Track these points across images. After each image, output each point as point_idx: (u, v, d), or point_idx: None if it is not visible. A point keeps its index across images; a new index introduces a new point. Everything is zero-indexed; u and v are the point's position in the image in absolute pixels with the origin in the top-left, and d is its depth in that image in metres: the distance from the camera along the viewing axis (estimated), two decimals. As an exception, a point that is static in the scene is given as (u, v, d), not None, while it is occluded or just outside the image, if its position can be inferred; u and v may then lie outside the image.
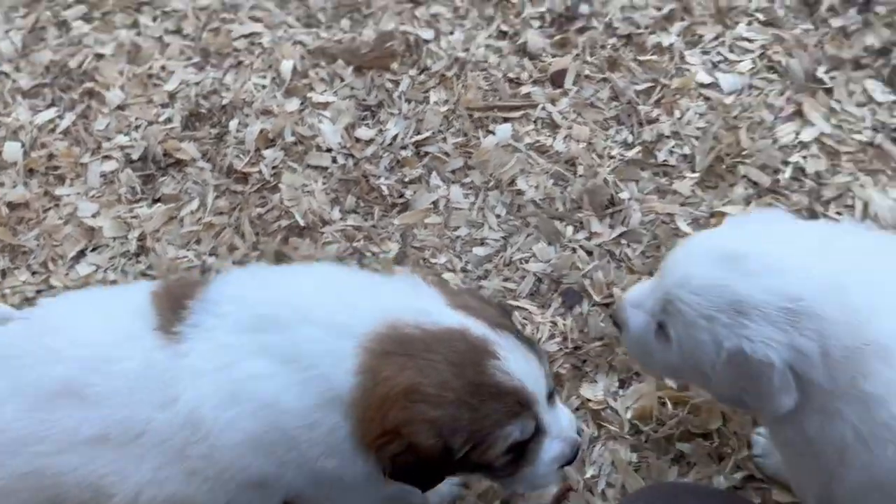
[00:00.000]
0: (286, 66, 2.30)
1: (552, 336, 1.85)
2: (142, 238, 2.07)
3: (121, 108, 2.28)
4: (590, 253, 1.95)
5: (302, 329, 1.21)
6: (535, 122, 2.18)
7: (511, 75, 2.25)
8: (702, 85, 2.18)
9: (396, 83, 2.25)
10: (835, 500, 1.30)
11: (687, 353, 1.28)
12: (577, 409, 1.76)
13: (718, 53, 2.23)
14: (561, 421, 1.30)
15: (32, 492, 1.28)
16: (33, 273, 2.03)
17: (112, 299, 1.47)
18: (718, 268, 1.23)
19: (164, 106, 2.28)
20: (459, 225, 2.03)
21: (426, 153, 2.15)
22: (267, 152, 2.16)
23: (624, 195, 2.02)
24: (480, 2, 2.38)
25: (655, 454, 1.71)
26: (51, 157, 2.20)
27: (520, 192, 2.05)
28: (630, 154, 2.09)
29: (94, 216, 2.11)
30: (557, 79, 2.22)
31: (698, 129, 2.11)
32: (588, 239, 1.97)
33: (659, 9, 2.31)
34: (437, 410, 1.17)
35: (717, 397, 1.35)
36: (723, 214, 1.94)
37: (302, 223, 2.03)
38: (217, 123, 2.23)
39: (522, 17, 2.34)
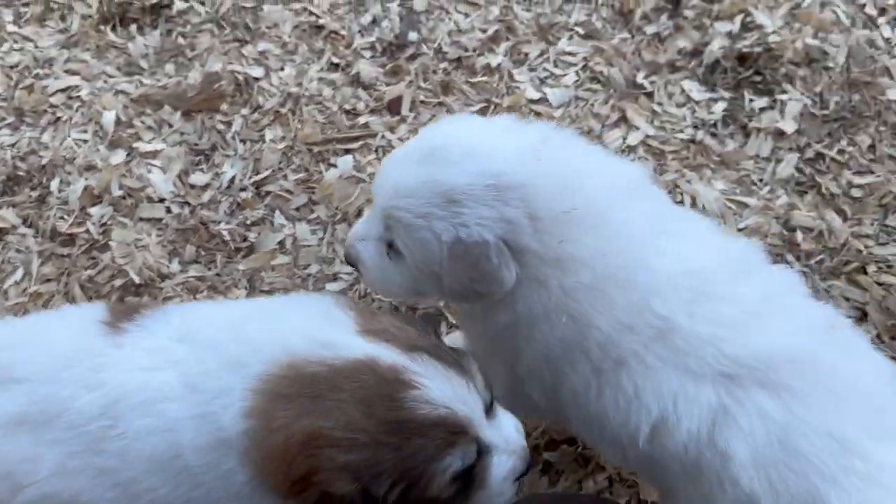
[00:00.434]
0: (108, 118, 2.19)
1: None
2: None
3: (-73, 178, 2.10)
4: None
5: (205, 355, 1.14)
6: (375, 150, 2.16)
7: (347, 107, 2.23)
8: (532, 101, 2.24)
9: (229, 124, 2.19)
10: (517, 385, 1.37)
11: (417, 259, 1.29)
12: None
13: (544, 69, 2.30)
14: (504, 433, 1.20)
15: None
16: None
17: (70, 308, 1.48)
18: (422, 166, 1.26)
19: (-24, 172, 2.12)
20: (310, 262, 1.99)
21: (267, 192, 2.09)
22: (93, 210, 2.04)
23: (468, 215, 2.03)
24: (309, 36, 2.36)
25: (523, 468, 1.70)
26: None
27: (366, 223, 2.03)
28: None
29: None
30: (394, 106, 2.22)
31: (533, 142, 2.15)
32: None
33: (484, 31, 2.36)
34: (349, 455, 1.07)
35: (453, 297, 1.33)
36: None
37: (138, 280, 1.92)
38: (37, 185, 2.09)
39: (353, 49, 2.33)
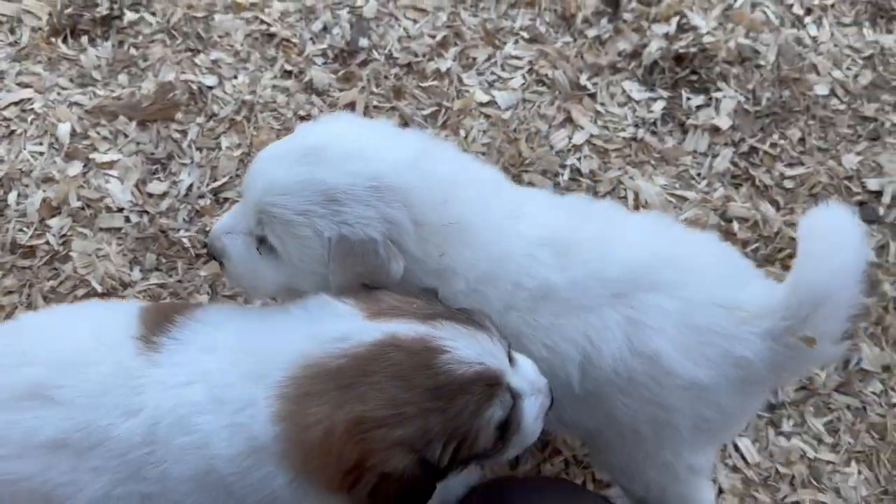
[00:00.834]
0: (63, 129, 2.21)
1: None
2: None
3: None
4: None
5: (226, 367, 1.17)
6: (330, 155, 2.21)
7: (301, 113, 2.29)
8: (481, 104, 2.32)
9: (184, 133, 2.22)
10: None
11: (296, 256, 1.30)
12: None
13: (492, 73, 2.38)
14: (527, 376, 1.24)
15: None
16: None
17: (99, 311, 1.43)
18: (301, 164, 1.28)
19: (-69, 187, 2.12)
20: (269, 267, 2.03)
21: (225, 199, 2.13)
22: (52, 221, 2.06)
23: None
24: (261, 44, 2.41)
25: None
26: None
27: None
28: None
29: None
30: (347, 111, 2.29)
31: (483, 144, 2.24)
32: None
33: (433, 37, 2.43)
34: (399, 430, 1.10)
35: (338, 290, 1.32)
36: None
37: (100, 289, 1.95)
38: (-6, 199, 2.11)
39: (305, 56, 2.38)
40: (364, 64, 2.38)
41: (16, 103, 2.27)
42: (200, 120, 2.25)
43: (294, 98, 2.31)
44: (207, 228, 2.07)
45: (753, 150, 2.25)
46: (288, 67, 2.36)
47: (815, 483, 1.80)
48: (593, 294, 1.33)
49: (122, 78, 2.33)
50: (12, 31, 2.41)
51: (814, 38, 2.46)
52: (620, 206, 1.53)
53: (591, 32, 2.44)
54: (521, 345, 1.33)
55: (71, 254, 2.01)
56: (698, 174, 2.20)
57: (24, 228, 2.05)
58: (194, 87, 2.30)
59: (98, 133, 2.22)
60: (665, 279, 1.34)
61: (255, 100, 2.29)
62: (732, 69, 2.38)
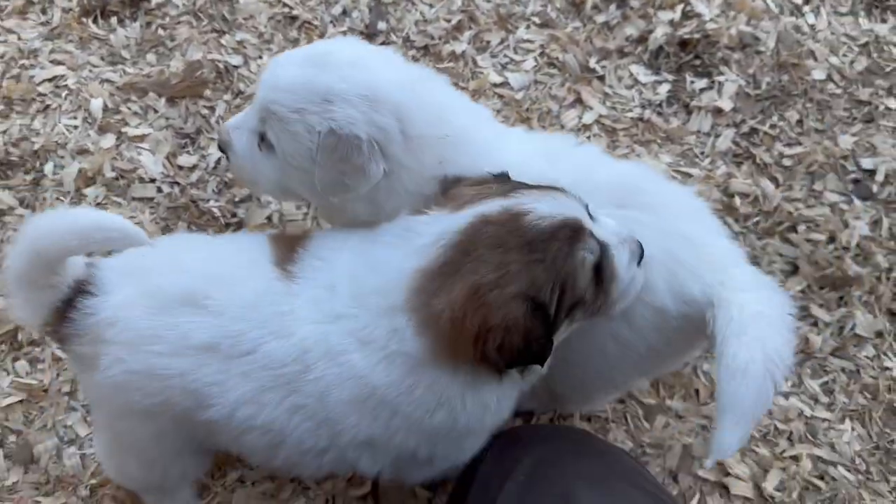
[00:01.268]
0: (96, 105, 2.30)
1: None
2: (-35, 294, 2.01)
3: (-79, 165, 2.19)
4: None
5: (361, 317, 1.28)
6: (350, 133, 2.32)
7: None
8: (495, 85, 2.43)
9: (212, 109, 2.32)
10: None
11: (288, 152, 1.40)
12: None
13: (505, 56, 2.49)
14: (610, 229, 1.33)
15: (143, 393, 1.32)
16: None
17: (233, 238, 1.60)
18: (304, 67, 1.38)
19: (-31, 158, 2.21)
20: (294, 236, 2.14)
21: (251, 173, 2.23)
22: (88, 190, 2.16)
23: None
24: (283, 26, 2.51)
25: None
26: None
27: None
28: (441, 152, 2.28)
29: None
30: (366, 91, 2.38)
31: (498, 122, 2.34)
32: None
33: (448, 20, 2.54)
34: (510, 286, 1.21)
35: (322, 188, 1.42)
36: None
37: (136, 254, 2.05)
38: (31, 169, 2.20)
39: (326, 38, 2.48)
40: (383, 46, 2.48)
41: (50, 79, 2.36)
42: (227, 97, 2.35)
43: (316, 77, 2.41)
44: (237, 199, 2.17)
45: (754, 130, 2.36)
46: (310, 49, 2.46)
47: (811, 439, 1.92)
48: (592, 196, 1.39)
49: (151, 57, 2.43)
50: (44, 12, 2.51)
51: (812, 27, 2.57)
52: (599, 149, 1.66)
53: (600, 18, 2.55)
54: None
55: (107, 221, 2.11)
56: (702, 153, 2.31)
57: (61, 197, 2.15)
58: (221, 66, 2.40)
59: (129, 108, 2.32)
60: (650, 202, 1.44)
61: (279, 79, 2.39)
62: (734, 54, 2.49)
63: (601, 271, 1.30)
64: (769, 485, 1.84)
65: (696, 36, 2.50)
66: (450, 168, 1.41)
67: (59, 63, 2.40)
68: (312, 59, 1.39)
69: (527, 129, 2.00)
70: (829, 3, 2.62)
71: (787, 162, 2.31)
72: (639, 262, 1.35)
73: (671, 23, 2.53)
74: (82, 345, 1.36)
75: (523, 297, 1.21)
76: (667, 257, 1.40)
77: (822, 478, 1.87)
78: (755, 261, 2.13)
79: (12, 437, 1.87)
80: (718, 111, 2.38)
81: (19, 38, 2.45)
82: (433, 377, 1.27)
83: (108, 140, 2.25)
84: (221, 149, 1.51)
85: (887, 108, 2.41)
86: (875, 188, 2.27)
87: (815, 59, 2.49)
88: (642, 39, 2.51)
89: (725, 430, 1.29)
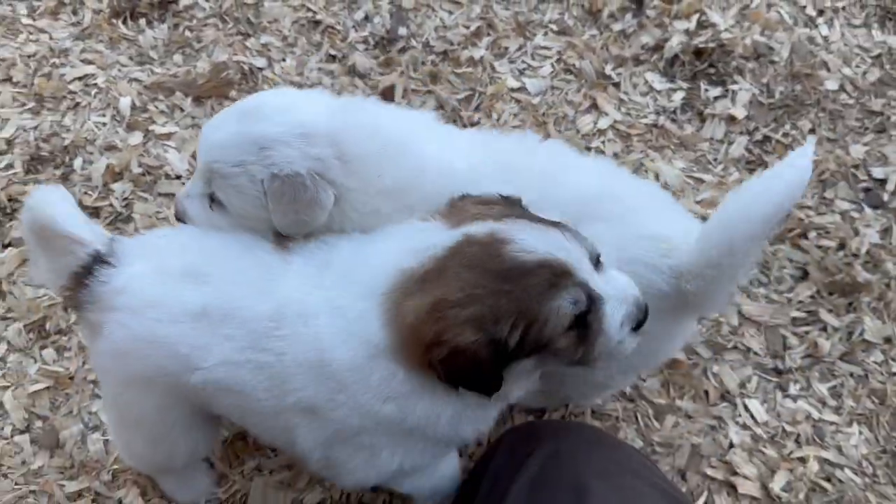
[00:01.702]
0: (124, 103, 2.37)
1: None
2: (-4, 282, 2.08)
3: (-45, 158, 2.26)
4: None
5: (342, 294, 1.32)
6: (370, 134, 2.37)
7: (345, 94, 2.44)
8: (512, 90, 2.48)
9: (237, 110, 2.38)
10: None
11: (237, 205, 1.43)
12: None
13: (522, 62, 2.54)
14: (616, 283, 1.29)
15: (141, 359, 1.40)
16: None
17: None
18: (237, 122, 1.41)
19: (2, 153, 2.28)
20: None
21: (273, 172, 2.29)
22: (115, 186, 2.22)
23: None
24: (307, 30, 2.57)
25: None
26: None
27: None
28: (459, 154, 2.34)
29: (-60, 267, 2.09)
30: (388, 94, 2.44)
31: (514, 127, 2.39)
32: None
33: (467, 27, 2.60)
34: (470, 308, 1.21)
35: (285, 231, 1.44)
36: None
37: (161, 247, 2.11)
38: (61, 164, 2.27)
39: (348, 42, 2.55)
40: (403, 51, 2.54)
41: (80, 78, 2.44)
42: (251, 98, 2.40)
43: (338, 80, 2.47)
44: (258, 196, 2.22)
45: (767, 138, 2.40)
46: (332, 52, 2.53)
47: (818, 441, 1.95)
48: (547, 215, 1.41)
49: (178, 57, 2.50)
50: (75, 13, 2.58)
51: (825, 38, 2.61)
52: (563, 144, 1.63)
53: (616, 26, 2.60)
54: None
55: (133, 215, 2.17)
56: (715, 159, 2.35)
57: (89, 192, 2.21)
58: (246, 67, 2.46)
59: (156, 107, 2.39)
60: (607, 210, 1.47)
61: (302, 81, 2.45)
62: (748, 64, 2.53)
63: (585, 324, 1.26)
64: (776, 485, 1.87)
65: (711, 45, 2.54)
66: (390, 181, 1.44)
67: (89, 62, 2.47)
68: (244, 113, 1.42)
69: (489, 131, 2.02)
70: (843, 15, 2.66)
71: (798, 170, 2.34)
72: (637, 328, 1.32)
73: (686, 32, 2.57)
74: (93, 311, 1.43)
75: (479, 324, 1.21)
76: (627, 262, 1.43)
77: (828, 480, 1.90)
78: (765, 265, 2.17)
79: (39, 423, 1.92)
80: (732, 119, 2.42)
81: (51, 38, 2.52)
82: (389, 370, 1.30)
83: (136, 137, 2.31)
84: (180, 219, 1.54)
85: (899, 119, 2.45)
86: (886, 197, 2.30)
87: (829, 69, 2.53)
88: (658, 48, 2.56)
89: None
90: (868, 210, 2.27)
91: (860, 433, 1.96)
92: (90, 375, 1.97)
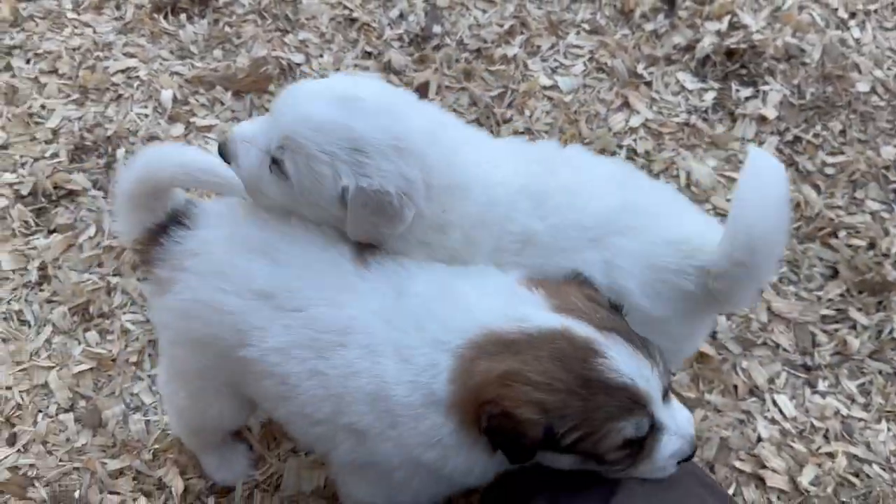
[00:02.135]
0: (166, 96, 2.44)
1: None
2: (42, 267, 2.14)
3: (3, 147, 2.33)
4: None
5: (410, 330, 1.34)
6: (405, 129, 2.42)
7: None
8: (545, 87, 2.52)
9: (275, 104, 2.44)
10: None
11: (306, 187, 1.39)
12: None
13: (555, 60, 2.58)
14: (677, 418, 1.32)
15: (201, 322, 1.44)
16: (-68, 311, 2.06)
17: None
18: (336, 107, 1.36)
19: (48, 142, 2.35)
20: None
21: (310, 165, 2.34)
22: (158, 175, 2.28)
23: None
24: (344, 28, 2.62)
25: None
26: (-65, 199, 2.23)
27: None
28: (492, 150, 2.38)
29: (-11, 251, 2.16)
30: (422, 90, 2.48)
31: (546, 124, 2.43)
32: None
33: (501, 25, 2.64)
34: (544, 394, 1.23)
35: (356, 236, 1.43)
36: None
37: (202, 235, 2.17)
38: (104, 154, 2.33)
39: (384, 39, 2.60)
40: (437, 48, 2.59)
41: (123, 71, 2.50)
42: (289, 92, 2.46)
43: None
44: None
45: (797, 139, 2.42)
46: (368, 49, 2.58)
47: (847, 437, 1.96)
48: (572, 237, 1.47)
49: (217, 52, 2.56)
50: (118, 8, 2.65)
51: (857, 40, 2.63)
52: (582, 151, 1.66)
53: (649, 27, 2.63)
54: None
55: (175, 204, 2.23)
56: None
57: (133, 181, 2.27)
58: (284, 62, 2.52)
59: (197, 100, 2.45)
60: (630, 223, 1.48)
61: (338, 76, 2.50)
62: (779, 65, 2.55)
63: (641, 447, 1.30)
64: (804, 479, 1.89)
65: (743, 46, 2.56)
66: (450, 216, 1.44)
67: (132, 56, 2.54)
68: (342, 99, 1.38)
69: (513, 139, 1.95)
70: (875, 17, 2.67)
71: (829, 170, 2.36)
72: (680, 462, 1.35)
73: (718, 33, 2.60)
74: (163, 269, 1.48)
75: (543, 409, 1.23)
76: (654, 271, 1.47)
77: (857, 475, 1.91)
78: (795, 264, 2.19)
79: (82, 403, 1.98)
80: (763, 119, 2.44)
81: (95, 32, 2.59)
82: (442, 421, 1.31)
83: (178, 129, 2.38)
84: (224, 156, 1.47)
85: (930, 121, 2.46)
86: (916, 198, 2.32)
87: (860, 71, 2.55)
88: (689, 48, 2.58)
89: None
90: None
91: (889, 430, 1.98)
92: (132, 358, 2.03)
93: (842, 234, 2.23)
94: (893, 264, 2.18)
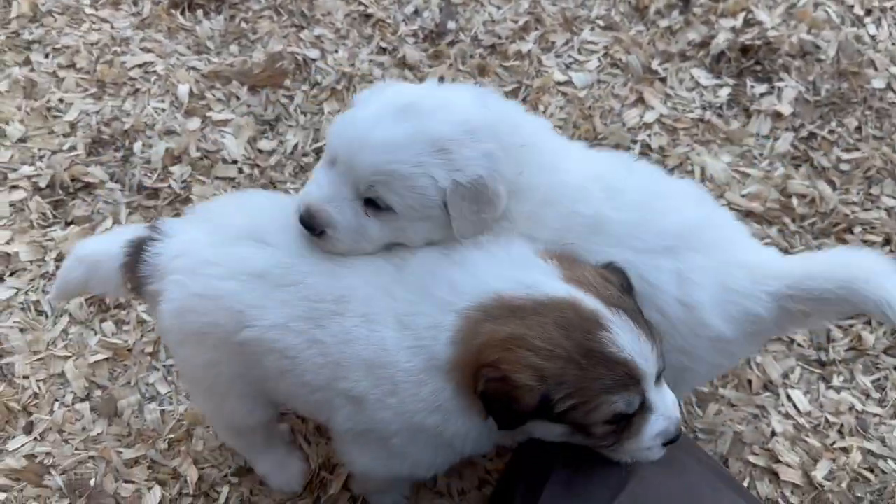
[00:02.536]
0: (183, 90, 2.46)
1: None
2: (59, 259, 2.16)
3: (22, 140, 2.36)
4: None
5: (414, 297, 1.35)
6: (419, 125, 2.43)
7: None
8: (559, 83, 2.52)
9: (291, 98, 2.45)
10: None
11: (412, 206, 1.38)
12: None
13: (569, 56, 2.58)
14: (666, 400, 1.34)
15: (195, 314, 1.45)
16: (-49, 301, 2.09)
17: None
18: (401, 121, 1.37)
19: (66, 135, 2.37)
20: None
21: (324, 159, 2.35)
22: (174, 168, 2.30)
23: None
24: (359, 24, 2.64)
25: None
26: (-45, 190, 2.26)
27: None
28: (505, 145, 2.38)
29: (7, 243, 2.18)
30: (435, 86, 2.49)
31: (560, 119, 2.43)
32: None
33: (515, 21, 2.64)
34: (544, 361, 1.24)
35: (465, 236, 1.42)
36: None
37: (218, 227, 2.18)
38: (121, 147, 2.35)
39: (398, 35, 2.61)
40: (452, 44, 2.60)
41: (140, 65, 2.53)
42: (305, 88, 2.48)
43: (389, 72, 2.53)
44: (310, 181, 2.29)
45: (812, 135, 2.41)
46: (383, 45, 2.59)
47: (861, 432, 1.95)
48: (649, 241, 1.47)
49: (234, 48, 2.58)
50: (135, 3, 2.68)
51: (873, 37, 2.62)
52: (654, 166, 1.67)
53: (663, 23, 2.63)
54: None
55: (191, 197, 2.25)
56: (760, 154, 2.37)
57: (149, 174, 2.29)
58: (300, 58, 2.53)
59: (213, 95, 2.47)
60: (707, 241, 1.49)
61: (353, 72, 2.52)
62: (794, 62, 2.55)
63: (629, 424, 1.31)
64: (818, 473, 1.88)
65: (758, 43, 2.56)
66: (524, 181, 1.44)
67: (149, 51, 2.56)
68: (402, 111, 1.38)
69: (589, 131, 1.98)
70: (891, 14, 2.66)
71: (844, 166, 2.35)
72: (665, 444, 1.36)
73: (733, 29, 2.60)
74: (153, 283, 1.50)
75: (541, 376, 1.24)
76: (723, 290, 1.47)
77: (871, 470, 1.90)
78: (810, 260, 2.18)
79: (98, 392, 2.00)
80: (778, 115, 2.44)
81: (112, 27, 2.62)
82: (443, 385, 1.32)
83: (194, 123, 2.39)
84: (316, 227, 1.41)
85: (947, 118, 2.45)
86: (933, 195, 2.30)
87: (876, 68, 2.54)
88: (704, 44, 2.58)
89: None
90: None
91: (904, 426, 1.97)
92: (147, 348, 2.04)
93: (857, 229, 2.22)
94: (909, 260, 2.17)
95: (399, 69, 2.53)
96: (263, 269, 1.41)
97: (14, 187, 2.28)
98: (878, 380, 2.03)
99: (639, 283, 1.44)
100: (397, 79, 2.50)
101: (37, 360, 2.03)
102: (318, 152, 2.35)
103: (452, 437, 1.38)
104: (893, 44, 2.59)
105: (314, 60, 2.54)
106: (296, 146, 2.36)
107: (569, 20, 2.64)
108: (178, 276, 1.46)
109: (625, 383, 1.26)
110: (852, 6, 2.68)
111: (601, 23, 2.65)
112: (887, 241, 2.21)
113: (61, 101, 2.44)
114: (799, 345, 2.07)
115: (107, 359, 2.04)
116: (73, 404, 1.98)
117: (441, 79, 2.47)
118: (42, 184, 2.28)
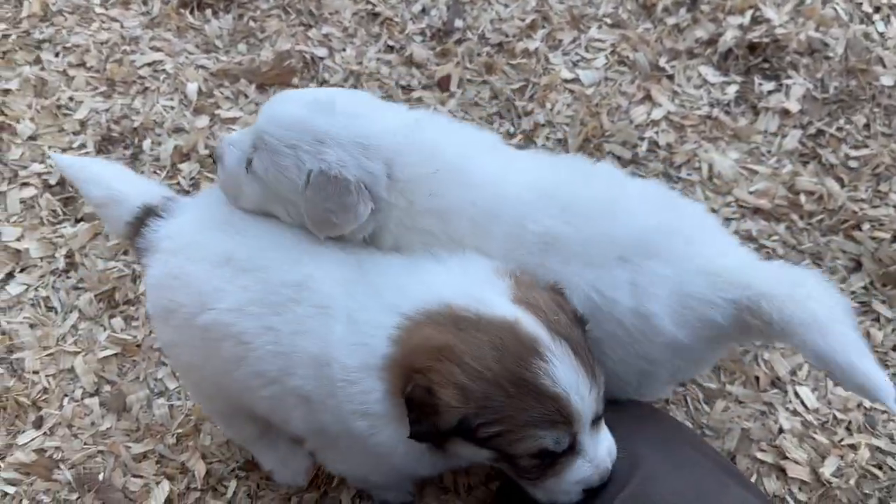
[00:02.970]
0: (191, 88, 2.47)
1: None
2: (69, 255, 2.18)
3: (33, 138, 2.38)
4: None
5: (367, 301, 1.36)
6: (426, 122, 2.44)
7: (402, 83, 2.51)
8: (566, 80, 2.52)
9: (298, 96, 2.46)
10: None
11: (272, 181, 1.46)
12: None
13: (576, 53, 2.59)
14: (599, 447, 1.31)
15: (166, 290, 1.52)
16: (-38, 297, 2.10)
17: None
18: (306, 108, 1.45)
19: (75, 133, 2.39)
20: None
21: (332, 157, 2.36)
22: (183, 166, 2.32)
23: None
24: (366, 22, 2.65)
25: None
26: (-34, 188, 2.28)
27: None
28: (513, 142, 2.39)
29: (18, 239, 2.19)
30: (444, 83, 2.50)
31: (567, 117, 2.44)
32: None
33: (522, 19, 2.65)
34: (470, 381, 1.21)
35: (311, 224, 1.46)
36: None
37: (226, 224, 2.19)
38: (130, 145, 2.37)
39: (406, 33, 2.62)
40: (459, 42, 2.60)
41: (149, 64, 2.54)
42: (313, 86, 2.49)
43: (396, 70, 2.54)
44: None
45: (820, 132, 2.40)
46: (391, 43, 2.60)
47: (870, 429, 1.95)
48: (602, 253, 1.45)
49: (242, 46, 2.59)
50: (145, 3, 2.70)
51: (881, 34, 2.61)
52: (613, 167, 1.64)
53: (670, 20, 2.63)
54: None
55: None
56: (768, 151, 2.37)
57: (158, 171, 2.31)
58: (308, 56, 2.55)
59: (222, 93, 2.48)
60: (664, 247, 1.45)
61: (361, 70, 2.53)
62: (802, 59, 2.54)
63: (553, 462, 1.28)
64: (826, 470, 1.87)
65: (766, 40, 2.55)
66: (442, 202, 1.46)
67: (158, 49, 2.58)
68: (316, 102, 1.46)
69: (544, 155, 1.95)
70: (900, 11, 2.65)
71: (852, 163, 2.34)
72: (585, 490, 1.32)
73: (741, 27, 2.59)
74: (145, 256, 1.57)
75: (465, 398, 1.21)
76: (682, 298, 1.45)
77: (879, 467, 1.89)
78: (818, 257, 2.18)
79: (107, 387, 2.01)
80: (786, 112, 2.43)
81: (122, 26, 2.64)
82: (371, 385, 1.32)
83: (203, 121, 2.41)
84: (214, 158, 1.59)
85: (956, 115, 2.44)
86: (942, 192, 2.29)
87: (884, 65, 2.53)
88: (712, 42, 2.58)
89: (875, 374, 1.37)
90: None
91: (913, 423, 1.96)
92: (156, 344, 2.06)
93: (865, 226, 2.21)
94: (918, 257, 2.16)
95: (406, 67, 2.54)
96: (230, 254, 1.45)
97: (25, 184, 2.30)
98: (887, 377, 2.02)
99: (596, 297, 1.43)
100: (405, 77, 2.51)
101: (46, 356, 2.05)
102: (326, 150, 2.36)
103: (381, 447, 1.36)
104: (902, 41, 2.58)
105: (322, 59, 2.55)
106: (303, 144, 2.37)
107: (576, 18, 2.65)
108: (162, 256, 1.53)
109: (554, 420, 1.22)
110: (861, 3, 2.67)
111: (608, 20, 2.65)
112: (895, 238, 2.20)
113: (71, 99, 2.46)
114: (807, 341, 2.06)
115: (116, 354, 2.05)
116: (82, 399, 2.00)
117: (444, 81, 2.48)
118: (52, 181, 2.30)
